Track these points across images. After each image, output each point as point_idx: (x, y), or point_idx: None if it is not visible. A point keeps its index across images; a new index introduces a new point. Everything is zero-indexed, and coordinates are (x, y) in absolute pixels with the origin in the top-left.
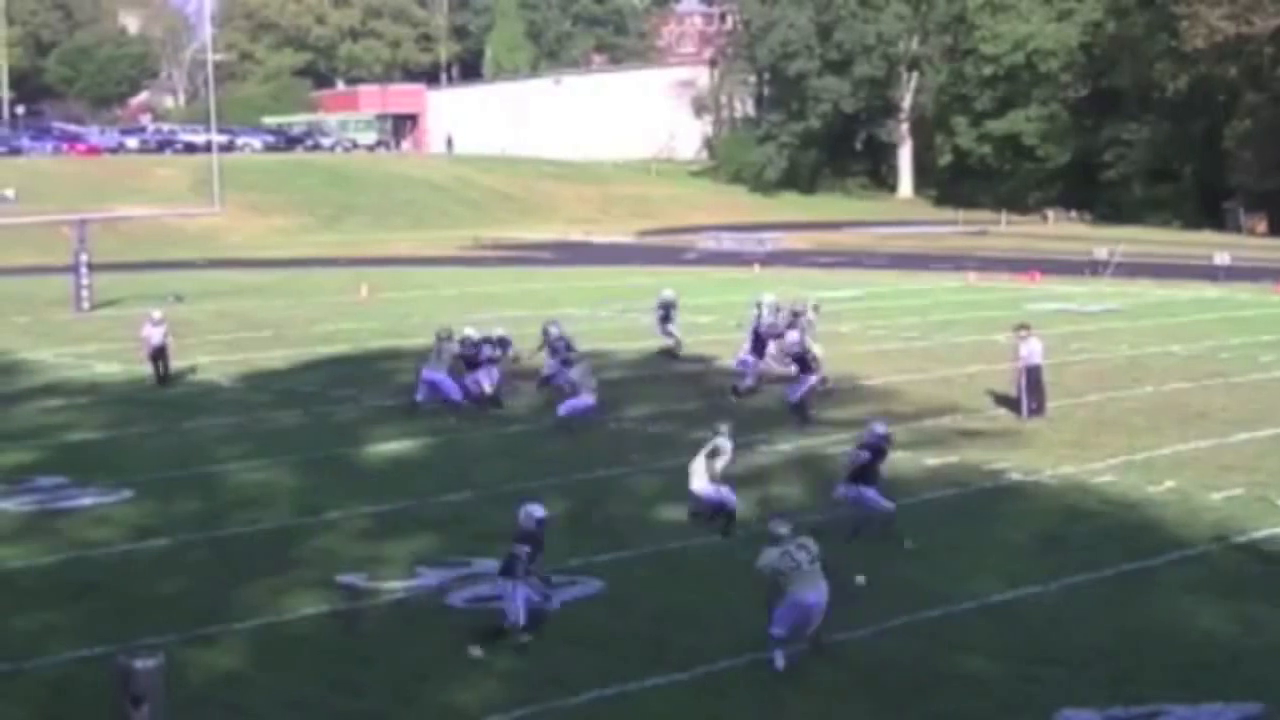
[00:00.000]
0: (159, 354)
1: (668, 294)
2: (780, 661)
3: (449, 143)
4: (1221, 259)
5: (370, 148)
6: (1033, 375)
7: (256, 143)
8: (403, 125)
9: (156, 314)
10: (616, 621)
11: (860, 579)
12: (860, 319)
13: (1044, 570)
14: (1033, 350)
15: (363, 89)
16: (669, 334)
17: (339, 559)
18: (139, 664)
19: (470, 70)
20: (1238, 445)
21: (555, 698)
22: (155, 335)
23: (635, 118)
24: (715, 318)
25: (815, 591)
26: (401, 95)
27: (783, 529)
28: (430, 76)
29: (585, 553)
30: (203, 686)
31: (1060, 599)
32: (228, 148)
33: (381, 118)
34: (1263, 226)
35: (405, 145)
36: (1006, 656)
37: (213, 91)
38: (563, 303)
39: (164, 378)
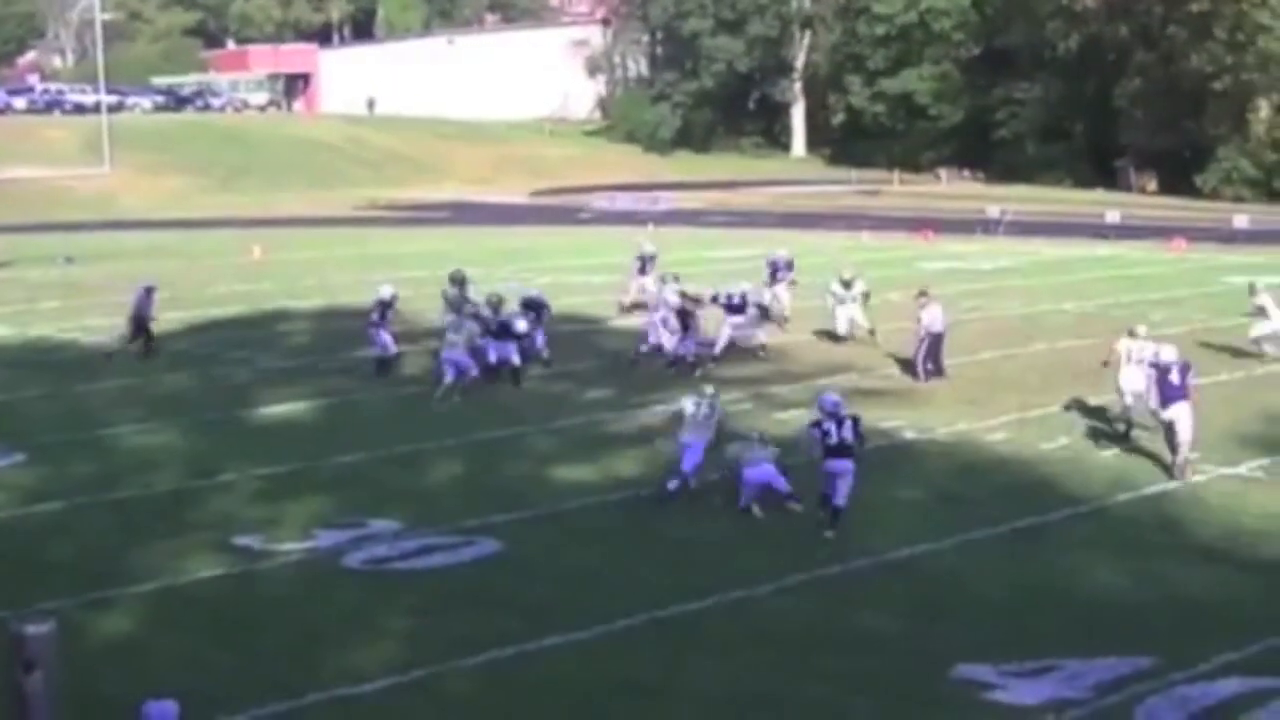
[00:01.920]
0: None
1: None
2: (670, 484)
3: (370, 104)
4: (1112, 217)
5: (261, 108)
6: (934, 342)
7: (146, 103)
8: (295, 85)
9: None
10: (515, 582)
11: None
12: (755, 279)
13: (940, 527)
14: (934, 317)
15: (254, 49)
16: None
17: (235, 521)
18: (31, 629)
19: (362, 30)
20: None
21: (453, 658)
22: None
23: (529, 78)
24: (612, 277)
25: (694, 436)
26: (293, 55)
27: (709, 389)
28: (322, 36)
29: (482, 513)
30: (99, 651)
31: (956, 555)
32: (117, 108)
33: (273, 78)
34: (1153, 185)
35: (297, 106)
36: (904, 613)
37: (101, 51)
38: (459, 263)
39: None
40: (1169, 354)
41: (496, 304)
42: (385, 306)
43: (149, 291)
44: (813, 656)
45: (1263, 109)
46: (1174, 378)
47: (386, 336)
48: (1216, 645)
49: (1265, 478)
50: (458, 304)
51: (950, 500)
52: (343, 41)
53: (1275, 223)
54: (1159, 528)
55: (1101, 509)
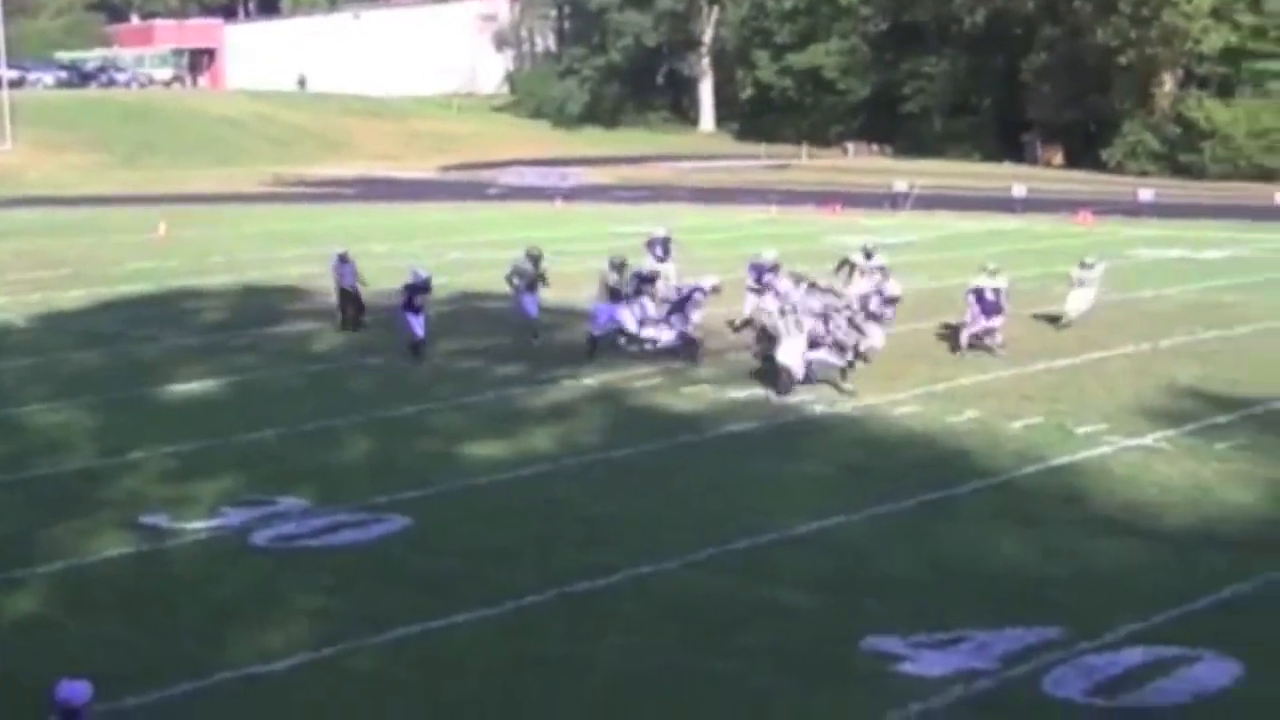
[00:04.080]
0: None
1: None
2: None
3: (301, 82)
4: (1019, 191)
5: (166, 83)
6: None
7: (49, 78)
8: (200, 60)
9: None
10: (424, 558)
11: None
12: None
13: (849, 501)
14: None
15: (158, 23)
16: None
17: (143, 500)
18: None
19: (268, 4)
20: (1036, 375)
21: (363, 635)
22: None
23: (436, 53)
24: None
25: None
26: (198, 30)
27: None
28: (227, 11)
29: (391, 490)
30: (6, 631)
31: (866, 529)
32: (19, 84)
33: (178, 53)
34: (1059, 158)
35: (202, 81)
36: (813, 587)
37: (1, 26)
38: (367, 239)
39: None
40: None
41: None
42: (414, 291)
43: (343, 259)
44: (722, 631)
45: (1167, 83)
46: (989, 296)
47: (415, 320)
48: (1122, 615)
49: (1169, 449)
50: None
51: (859, 474)
52: (248, 16)
53: (1179, 196)
54: (1065, 500)
55: (1009, 481)
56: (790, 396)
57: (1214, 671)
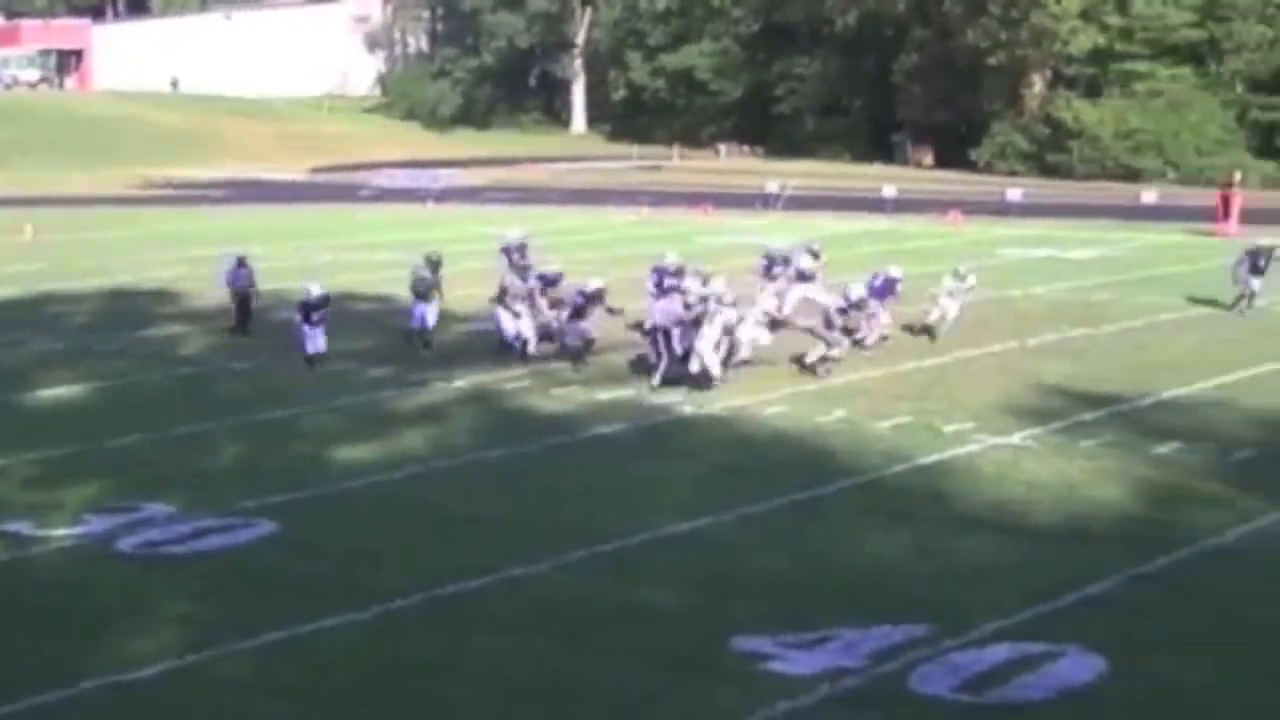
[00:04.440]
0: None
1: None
2: None
3: (174, 83)
4: (890, 191)
5: (33, 85)
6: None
7: None
8: (67, 61)
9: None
10: (293, 562)
11: None
12: (537, 255)
13: (719, 501)
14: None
15: (25, 23)
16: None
17: (6, 506)
18: None
19: (137, 4)
20: (906, 374)
21: (232, 641)
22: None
23: (309, 53)
24: (392, 255)
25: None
26: (65, 30)
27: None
28: (96, 11)
29: (260, 494)
30: None
31: (736, 529)
32: None
33: (45, 53)
34: (929, 159)
35: (70, 82)
36: (683, 587)
37: None
38: (238, 241)
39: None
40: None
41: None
42: (309, 308)
43: (240, 263)
44: (592, 632)
45: (1036, 84)
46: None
47: (312, 332)
48: (988, 612)
49: (1036, 447)
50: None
51: (729, 474)
52: (117, 16)
53: (1047, 196)
54: (932, 498)
55: (877, 480)
56: (659, 398)
57: (1078, 667)
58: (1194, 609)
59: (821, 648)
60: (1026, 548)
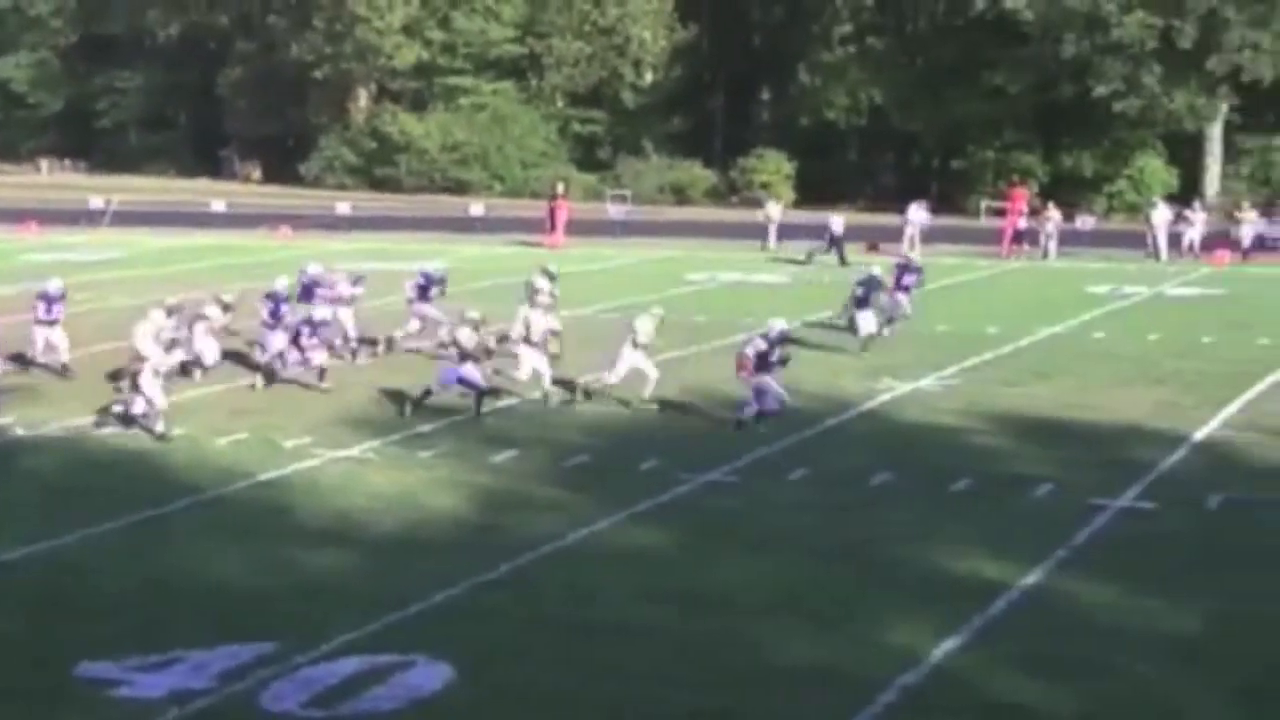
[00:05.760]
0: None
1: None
2: None
3: None
4: (219, 206)
5: None
6: None
7: None
8: None
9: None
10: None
11: None
12: None
13: (58, 524)
14: None
15: None
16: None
17: None
18: None
19: None
20: (246, 390)
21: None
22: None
23: None
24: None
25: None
26: None
27: None
28: None
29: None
30: None
31: (78, 551)
32: None
33: None
34: (257, 173)
35: None
36: (20, 613)
37: None
38: None
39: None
40: None
41: None
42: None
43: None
44: None
45: (362, 98)
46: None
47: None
48: (337, 625)
49: (376, 459)
50: None
51: (68, 496)
52: None
53: (376, 209)
54: (276, 513)
55: (220, 497)
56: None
57: (427, 675)
58: (542, 613)
59: (169, 669)
60: (372, 560)
